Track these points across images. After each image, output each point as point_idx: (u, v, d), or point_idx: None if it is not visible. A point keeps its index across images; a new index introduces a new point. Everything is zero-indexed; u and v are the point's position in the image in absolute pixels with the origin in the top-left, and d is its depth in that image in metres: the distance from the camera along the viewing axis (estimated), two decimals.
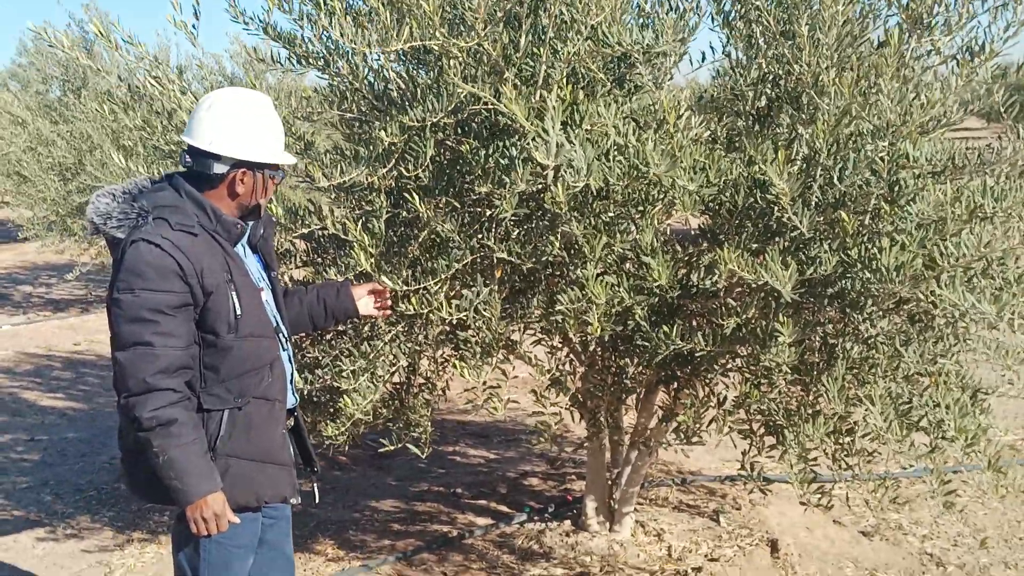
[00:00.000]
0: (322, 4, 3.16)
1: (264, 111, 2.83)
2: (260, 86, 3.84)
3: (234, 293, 2.72)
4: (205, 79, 4.38)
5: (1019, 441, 5.83)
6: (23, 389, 7.63)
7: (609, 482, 4.57)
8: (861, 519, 4.71)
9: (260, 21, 3.38)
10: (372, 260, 3.28)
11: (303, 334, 3.82)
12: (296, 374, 3.16)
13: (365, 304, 3.32)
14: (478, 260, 3.46)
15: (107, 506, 5.23)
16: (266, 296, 2.91)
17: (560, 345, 4.10)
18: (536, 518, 4.82)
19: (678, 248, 3.54)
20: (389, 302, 3.37)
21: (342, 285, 3.29)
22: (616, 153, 3.13)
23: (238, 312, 2.72)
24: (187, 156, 2.78)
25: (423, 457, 3.77)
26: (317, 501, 3.32)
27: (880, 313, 3.19)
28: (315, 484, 3.30)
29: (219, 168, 2.74)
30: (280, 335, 2.94)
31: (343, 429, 3.59)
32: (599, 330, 3.19)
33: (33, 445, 6.31)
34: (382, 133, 3.24)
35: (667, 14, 3.42)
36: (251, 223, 2.90)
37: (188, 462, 2.62)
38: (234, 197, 2.80)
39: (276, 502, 2.92)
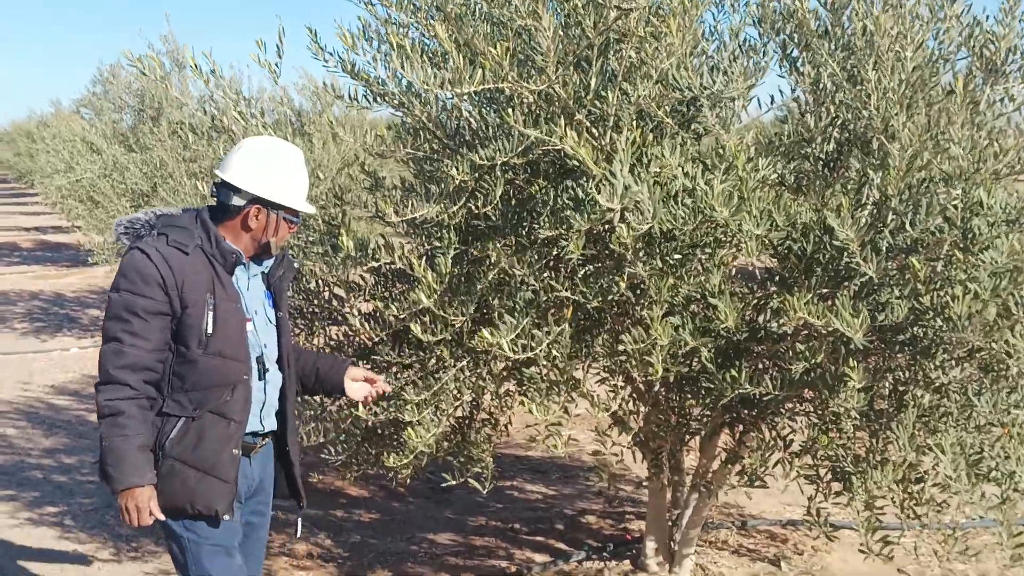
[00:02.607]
0: (395, 46, 3.23)
1: (290, 159, 3.05)
2: (326, 118, 3.95)
3: (211, 312, 2.90)
4: (274, 111, 4.49)
5: None
6: (89, 411, 7.78)
7: (669, 523, 4.54)
8: (926, 569, 4.61)
9: (339, 58, 3.46)
10: (435, 298, 3.32)
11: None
12: (281, 401, 3.20)
13: (358, 388, 3.41)
14: (547, 299, 3.48)
15: None
16: (252, 327, 3.05)
17: (623, 385, 4.10)
18: (595, 556, 4.80)
19: (745, 290, 3.53)
20: (375, 395, 3.45)
21: (341, 362, 3.43)
22: (684, 195, 3.15)
23: (209, 331, 2.89)
24: (215, 188, 3.02)
25: (483, 492, 3.78)
26: (298, 535, 3.42)
27: (952, 361, 3.15)
28: (299, 519, 3.42)
29: (237, 201, 2.96)
30: (261, 364, 3.07)
31: (406, 461, 3.62)
32: (660, 371, 3.19)
33: (98, 467, 6.43)
34: (453, 171, 3.29)
35: (735, 59, 3.43)
36: (267, 261, 3.11)
37: (125, 453, 2.82)
38: (247, 231, 3.01)
39: (208, 513, 2.99)
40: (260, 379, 3.07)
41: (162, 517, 2.91)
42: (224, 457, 2.97)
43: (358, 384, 3.40)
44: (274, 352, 3.15)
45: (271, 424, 3.17)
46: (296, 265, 3.37)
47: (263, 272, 3.13)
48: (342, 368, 3.38)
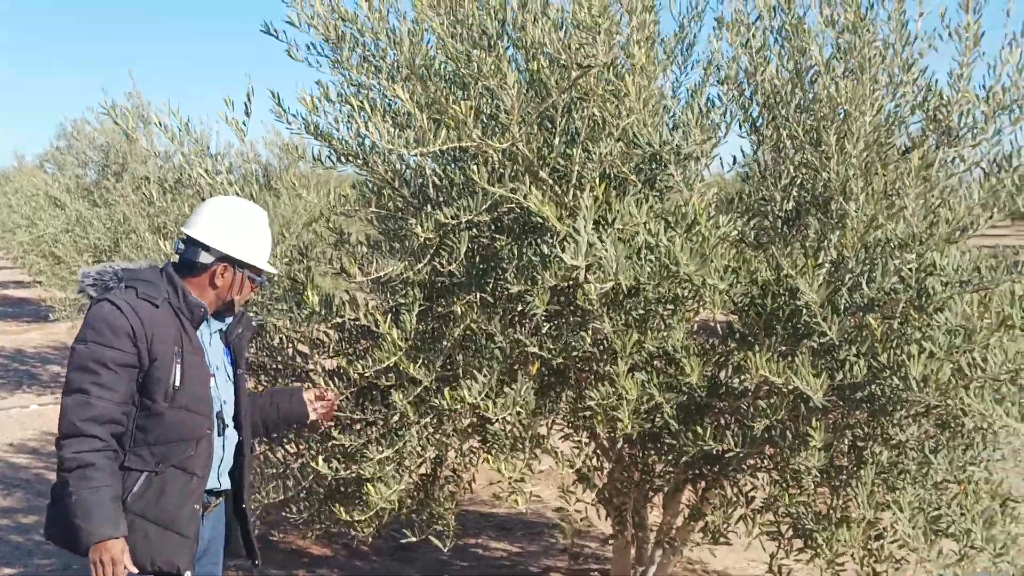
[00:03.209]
0: (357, 108, 3.27)
1: (257, 221, 3.10)
2: (291, 174, 3.98)
3: (178, 366, 2.90)
4: (241, 167, 4.51)
5: None
6: (48, 470, 7.64)
7: None
8: None
9: (302, 120, 3.49)
10: (400, 354, 3.33)
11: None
12: (237, 458, 3.22)
13: (314, 411, 3.47)
14: (513, 355, 3.50)
15: None
16: (215, 382, 3.06)
17: (587, 441, 4.10)
18: None
19: (706, 346, 3.56)
20: (334, 409, 3.53)
21: (296, 391, 3.48)
22: (647, 252, 3.19)
23: (176, 384, 2.89)
24: (181, 244, 3.04)
25: (445, 550, 3.75)
26: None
27: (909, 419, 3.19)
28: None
29: (205, 258, 2.99)
30: (220, 419, 3.08)
31: (365, 518, 3.59)
32: (628, 427, 3.20)
33: (47, 526, 6.29)
34: (418, 229, 3.32)
35: (697, 118, 3.50)
36: (227, 319, 3.13)
37: (96, 505, 2.76)
38: (213, 288, 3.03)
39: (170, 570, 2.96)
40: (219, 435, 3.07)
41: (135, 570, 2.84)
42: (185, 512, 2.95)
43: (312, 408, 3.46)
44: (231, 409, 3.15)
45: (226, 483, 3.17)
46: (255, 324, 3.39)
47: (222, 329, 3.14)
48: (300, 398, 3.43)
